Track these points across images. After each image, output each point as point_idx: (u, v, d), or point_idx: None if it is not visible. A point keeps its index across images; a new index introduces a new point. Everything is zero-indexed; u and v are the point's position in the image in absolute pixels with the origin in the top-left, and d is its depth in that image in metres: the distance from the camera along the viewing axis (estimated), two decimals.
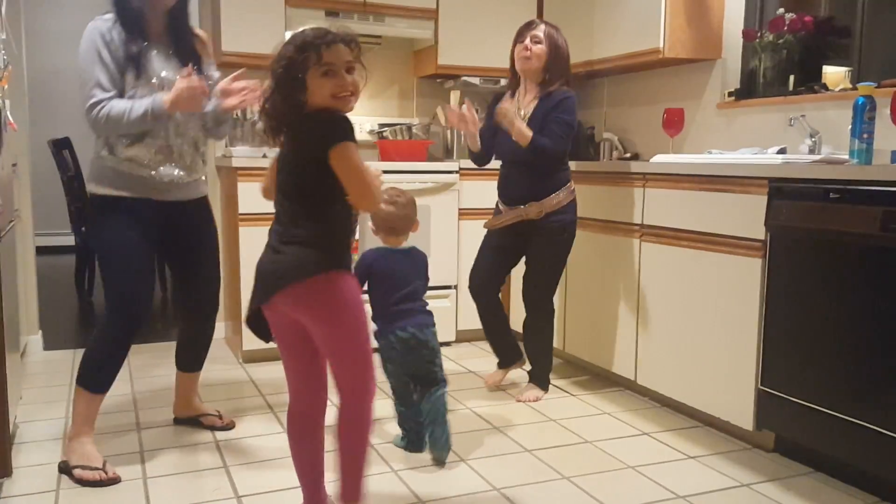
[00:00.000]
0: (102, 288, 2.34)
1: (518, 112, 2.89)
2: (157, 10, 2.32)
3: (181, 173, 2.39)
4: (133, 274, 2.32)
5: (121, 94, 2.26)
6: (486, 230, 3.09)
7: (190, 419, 2.66)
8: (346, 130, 1.66)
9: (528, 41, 2.85)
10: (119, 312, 2.32)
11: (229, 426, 2.64)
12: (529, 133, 2.78)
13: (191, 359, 2.64)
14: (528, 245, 2.95)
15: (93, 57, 2.23)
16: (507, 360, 3.15)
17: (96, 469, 2.21)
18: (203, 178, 2.52)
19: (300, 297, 1.69)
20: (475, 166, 3.22)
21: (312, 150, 1.65)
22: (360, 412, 1.80)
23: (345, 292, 1.71)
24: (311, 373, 1.82)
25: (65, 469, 2.25)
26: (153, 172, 2.33)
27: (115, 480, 2.22)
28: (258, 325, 1.81)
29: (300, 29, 1.72)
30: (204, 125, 2.46)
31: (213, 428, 2.62)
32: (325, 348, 1.76)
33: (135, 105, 2.22)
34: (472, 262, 3.13)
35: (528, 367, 3.11)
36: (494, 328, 3.12)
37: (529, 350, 3.08)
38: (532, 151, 2.79)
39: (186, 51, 2.39)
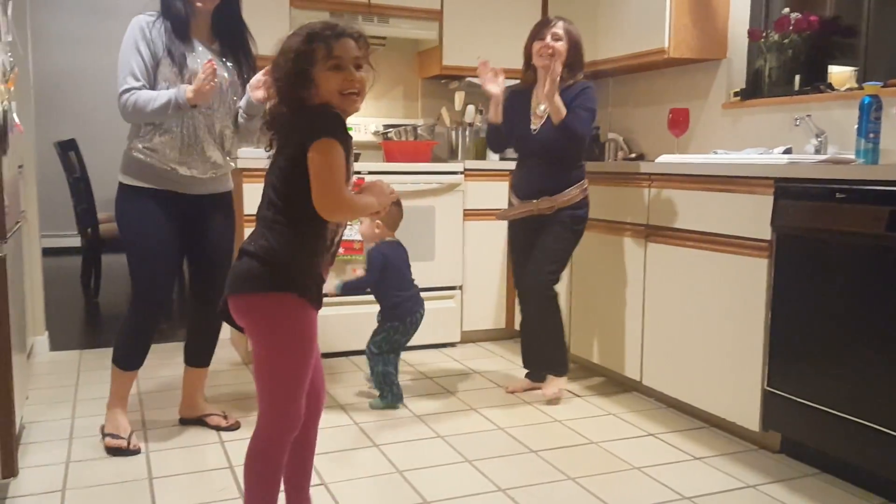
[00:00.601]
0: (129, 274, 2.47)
1: (537, 107, 2.91)
2: (198, 11, 2.40)
3: (205, 168, 2.46)
4: (155, 262, 2.43)
5: (151, 87, 2.35)
6: (501, 227, 3.08)
7: (195, 420, 2.67)
8: (336, 126, 1.56)
9: (549, 38, 2.85)
10: (142, 299, 2.45)
11: (234, 426, 2.64)
12: (564, 110, 2.79)
13: (199, 353, 2.67)
14: (538, 236, 2.94)
15: (131, 48, 2.34)
16: (537, 375, 3.11)
17: (121, 438, 2.43)
18: (228, 174, 2.59)
19: (239, 309, 1.64)
20: (480, 166, 3.22)
21: (294, 146, 1.55)
22: (259, 447, 1.67)
23: (280, 318, 1.60)
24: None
25: (101, 432, 2.50)
26: (177, 166, 2.40)
27: (135, 451, 2.42)
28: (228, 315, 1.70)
29: (306, 22, 1.65)
30: (238, 120, 2.52)
31: (218, 428, 2.63)
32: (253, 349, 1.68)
33: (159, 95, 2.31)
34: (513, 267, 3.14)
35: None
36: (533, 338, 3.09)
37: (540, 340, 3.03)
38: (562, 129, 2.79)
39: (235, 49, 2.49)
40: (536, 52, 2.89)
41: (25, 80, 3.40)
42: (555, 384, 2.97)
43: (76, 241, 5.50)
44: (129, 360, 2.48)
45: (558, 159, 2.87)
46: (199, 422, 2.66)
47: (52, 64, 6.74)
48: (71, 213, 5.22)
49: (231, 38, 2.49)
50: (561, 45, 2.85)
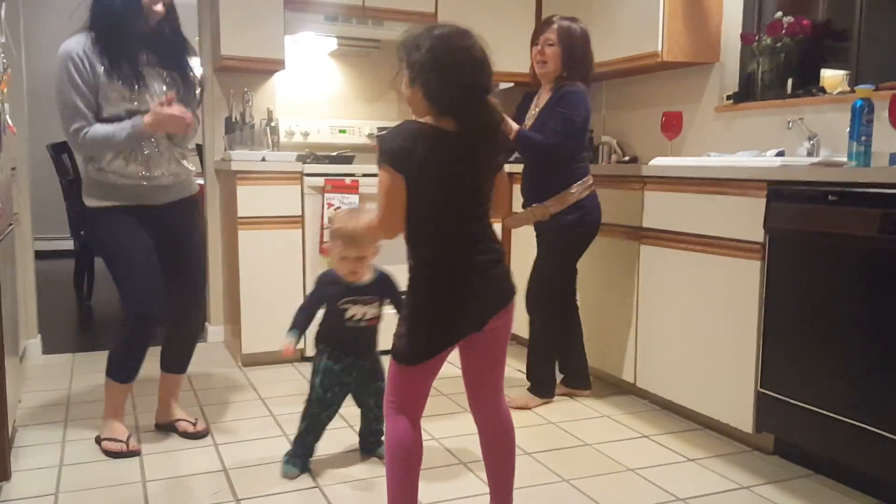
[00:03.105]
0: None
1: (533, 112, 2.86)
2: (149, 23, 2.35)
3: (165, 176, 2.43)
4: (139, 276, 2.39)
5: (97, 113, 2.32)
6: (496, 227, 3.04)
7: (168, 425, 2.63)
8: None
9: (541, 44, 2.80)
10: (132, 313, 2.41)
11: (203, 433, 2.59)
12: (515, 126, 2.74)
13: (176, 360, 2.64)
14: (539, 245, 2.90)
15: (66, 83, 2.31)
16: (569, 380, 3.06)
17: (120, 441, 2.42)
18: (190, 176, 2.55)
19: (509, 308, 1.76)
20: None
21: (500, 162, 1.74)
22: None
23: None
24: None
25: (97, 441, 2.47)
26: (138, 181, 2.39)
27: (135, 452, 2.42)
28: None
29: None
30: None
31: (185, 434, 2.58)
32: (498, 355, 1.84)
33: (117, 130, 2.30)
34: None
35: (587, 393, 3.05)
36: (564, 347, 3.04)
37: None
38: (519, 144, 2.73)
39: (176, 60, 2.45)
40: (533, 57, 2.85)
41: (18, 82, 3.39)
42: (524, 399, 2.90)
43: (69, 244, 5.48)
44: (124, 373, 2.46)
45: (540, 164, 2.79)
46: (171, 427, 2.62)
47: (45, 66, 6.63)
48: (64, 215, 5.20)
49: (170, 49, 2.43)
50: (552, 51, 2.77)
